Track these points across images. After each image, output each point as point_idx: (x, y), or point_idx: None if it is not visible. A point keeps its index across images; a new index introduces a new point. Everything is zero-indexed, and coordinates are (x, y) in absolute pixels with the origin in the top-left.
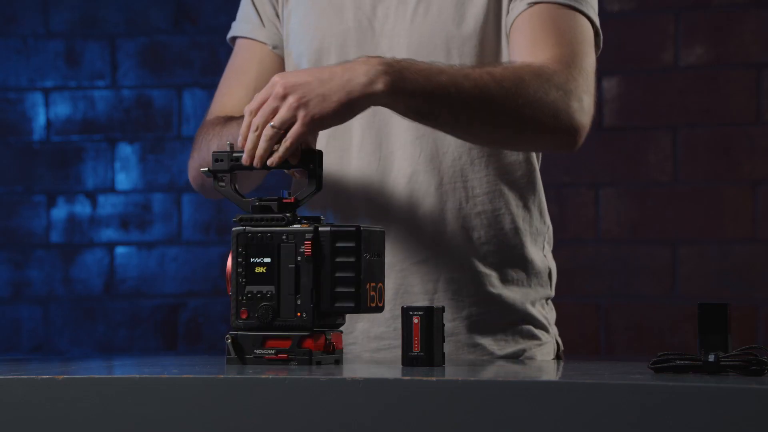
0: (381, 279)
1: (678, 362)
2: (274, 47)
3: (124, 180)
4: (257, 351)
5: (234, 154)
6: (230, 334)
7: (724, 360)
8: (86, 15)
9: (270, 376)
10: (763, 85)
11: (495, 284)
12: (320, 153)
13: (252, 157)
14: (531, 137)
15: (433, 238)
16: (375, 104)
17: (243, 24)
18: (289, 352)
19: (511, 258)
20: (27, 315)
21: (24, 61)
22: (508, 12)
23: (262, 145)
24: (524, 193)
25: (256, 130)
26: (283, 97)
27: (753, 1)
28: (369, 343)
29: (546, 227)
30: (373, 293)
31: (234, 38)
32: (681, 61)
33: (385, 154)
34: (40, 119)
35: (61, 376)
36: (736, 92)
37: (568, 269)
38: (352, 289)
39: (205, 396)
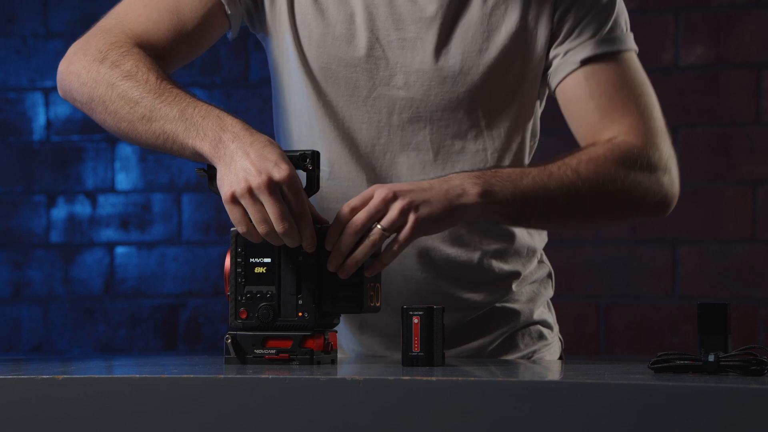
0: (378, 279)
1: (678, 362)
2: (229, 7)
3: (124, 180)
4: (257, 351)
5: None
6: (229, 334)
7: (724, 360)
8: (86, 15)
9: (270, 376)
10: (763, 85)
11: (508, 291)
12: (317, 153)
13: (342, 259)
14: (626, 219)
15: (444, 286)
16: (470, 216)
17: None
18: (290, 352)
19: (526, 269)
20: (27, 315)
21: (24, 61)
22: (548, 60)
23: (365, 249)
24: None
25: (356, 233)
26: (392, 200)
27: (753, 1)
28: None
29: (545, 237)
30: (372, 293)
31: None
32: (681, 61)
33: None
34: (40, 119)
35: (61, 376)
36: (736, 92)
37: (568, 269)
38: (355, 290)
39: (204, 396)
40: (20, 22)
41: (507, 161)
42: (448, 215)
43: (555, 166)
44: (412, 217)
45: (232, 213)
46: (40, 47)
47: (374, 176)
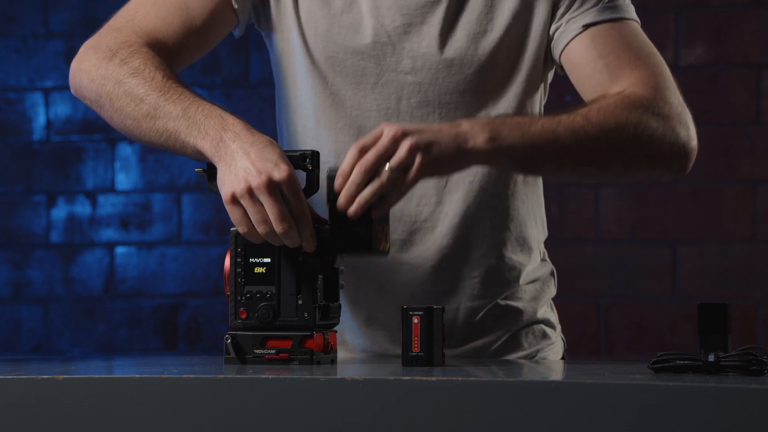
0: (386, 221)
1: (678, 362)
2: (238, 3)
3: (124, 180)
4: (257, 351)
5: None
6: (229, 334)
7: (724, 360)
8: (86, 15)
9: (270, 376)
10: (763, 85)
11: (515, 290)
12: (317, 153)
13: (351, 199)
14: (641, 170)
15: (456, 268)
16: (477, 161)
17: None
18: (290, 352)
19: (518, 276)
20: (27, 315)
21: (24, 61)
22: (550, 35)
23: (374, 189)
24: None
25: (366, 171)
26: (401, 138)
27: (753, 1)
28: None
29: (545, 231)
30: (381, 236)
31: None
32: (681, 61)
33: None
34: (40, 119)
35: (61, 376)
36: (736, 92)
37: (568, 269)
38: (363, 227)
39: (204, 396)
40: (20, 22)
41: None
42: (455, 158)
43: (564, 115)
44: (419, 158)
45: (233, 213)
46: (40, 47)
47: None
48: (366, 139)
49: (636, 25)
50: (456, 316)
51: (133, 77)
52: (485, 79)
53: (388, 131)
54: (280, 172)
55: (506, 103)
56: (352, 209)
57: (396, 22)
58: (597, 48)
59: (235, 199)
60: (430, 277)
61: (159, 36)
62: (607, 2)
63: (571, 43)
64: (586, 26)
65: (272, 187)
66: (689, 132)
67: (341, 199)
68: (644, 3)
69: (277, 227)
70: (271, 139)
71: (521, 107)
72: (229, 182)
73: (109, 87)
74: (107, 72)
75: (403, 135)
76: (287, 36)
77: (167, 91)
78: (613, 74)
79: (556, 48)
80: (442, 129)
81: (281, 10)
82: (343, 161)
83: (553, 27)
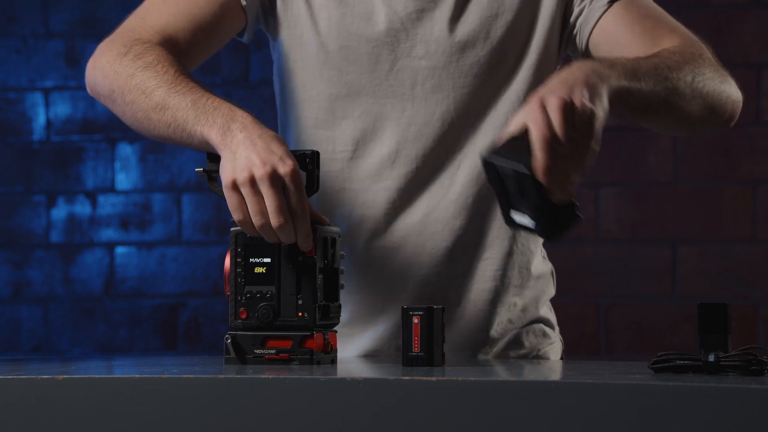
0: None
1: (678, 362)
2: (247, 3)
3: (124, 180)
4: (257, 351)
5: None
6: (229, 334)
7: (724, 360)
8: (86, 15)
9: (270, 376)
10: (763, 85)
11: (517, 290)
12: (317, 153)
13: (548, 172)
14: (719, 114)
15: (471, 253)
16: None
17: None
18: (290, 352)
19: (528, 263)
20: (27, 315)
21: (24, 61)
22: (572, 25)
23: (577, 168)
24: None
25: (568, 154)
26: (571, 90)
27: (753, 1)
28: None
29: None
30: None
31: None
32: None
33: (421, 166)
34: (40, 119)
35: (61, 376)
36: None
37: (568, 269)
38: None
39: (204, 396)
40: (20, 22)
41: None
42: (614, 97)
43: (649, 59)
44: (598, 105)
45: (230, 199)
46: (40, 47)
47: (399, 150)
48: (538, 123)
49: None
50: (456, 314)
51: (145, 71)
52: (498, 61)
53: (552, 104)
54: (284, 166)
55: (518, 85)
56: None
57: (409, 8)
58: (632, 15)
59: (235, 186)
60: (445, 259)
61: (170, 31)
62: None
63: (601, 20)
64: (611, 2)
65: (275, 179)
66: (736, 86)
67: (542, 176)
68: None
69: (274, 220)
70: (277, 134)
71: (533, 89)
72: (232, 168)
73: (122, 81)
74: (120, 67)
75: (574, 84)
76: (296, 31)
77: (177, 84)
78: (655, 40)
79: (584, 30)
80: (586, 75)
81: (289, 5)
82: (540, 156)
83: (573, 16)
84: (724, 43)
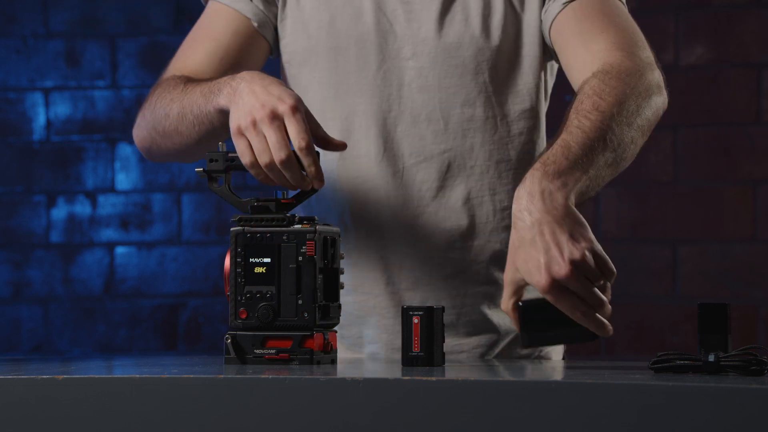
0: None
1: (678, 362)
2: (260, 25)
3: (124, 180)
4: (257, 351)
5: (230, 155)
6: (229, 334)
7: (724, 360)
8: (86, 15)
9: (270, 376)
10: (763, 85)
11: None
12: (317, 153)
13: (598, 320)
14: (652, 124)
15: (462, 253)
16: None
17: None
18: (290, 352)
19: None
20: (27, 315)
21: (24, 61)
22: (543, 11)
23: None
24: None
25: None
26: (563, 247)
27: (753, 1)
28: (394, 354)
29: None
30: None
31: None
32: (681, 61)
33: (408, 165)
34: (40, 119)
35: (61, 376)
36: (736, 92)
37: None
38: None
39: (204, 396)
40: (20, 22)
41: (517, 129)
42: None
43: (589, 115)
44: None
45: (238, 145)
46: (40, 47)
47: (386, 150)
48: (566, 304)
49: (617, 2)
50: (455, 312)
51: (159, 102)
52: (483, 62)
53: (564, 276)
54: (282, 105)
55: (505, 87)
56: (605, 332)
57: (397, 10)
58: (576, 17)
59: (240, 132)
60: (440, 260)
61: (195, 69)
62: None
63: (555, 20)
64: (565, 3)
65: (273, 117)
66: (660, 74)
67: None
68: (644, 3)
69: (276, 156)
70: (278, 80)
71: (523, 92)
72: (236, 117)
73: (149, 120)
74: (148, 113)
75: (563, 248)
76: (291, 39)
77: (187, 89)
78: (588, 39)
79: (545, 31)
80: (549, 209)
81: (286, 15)
82: (574, 316)
83: (544, 7)
84: (724, 43)
